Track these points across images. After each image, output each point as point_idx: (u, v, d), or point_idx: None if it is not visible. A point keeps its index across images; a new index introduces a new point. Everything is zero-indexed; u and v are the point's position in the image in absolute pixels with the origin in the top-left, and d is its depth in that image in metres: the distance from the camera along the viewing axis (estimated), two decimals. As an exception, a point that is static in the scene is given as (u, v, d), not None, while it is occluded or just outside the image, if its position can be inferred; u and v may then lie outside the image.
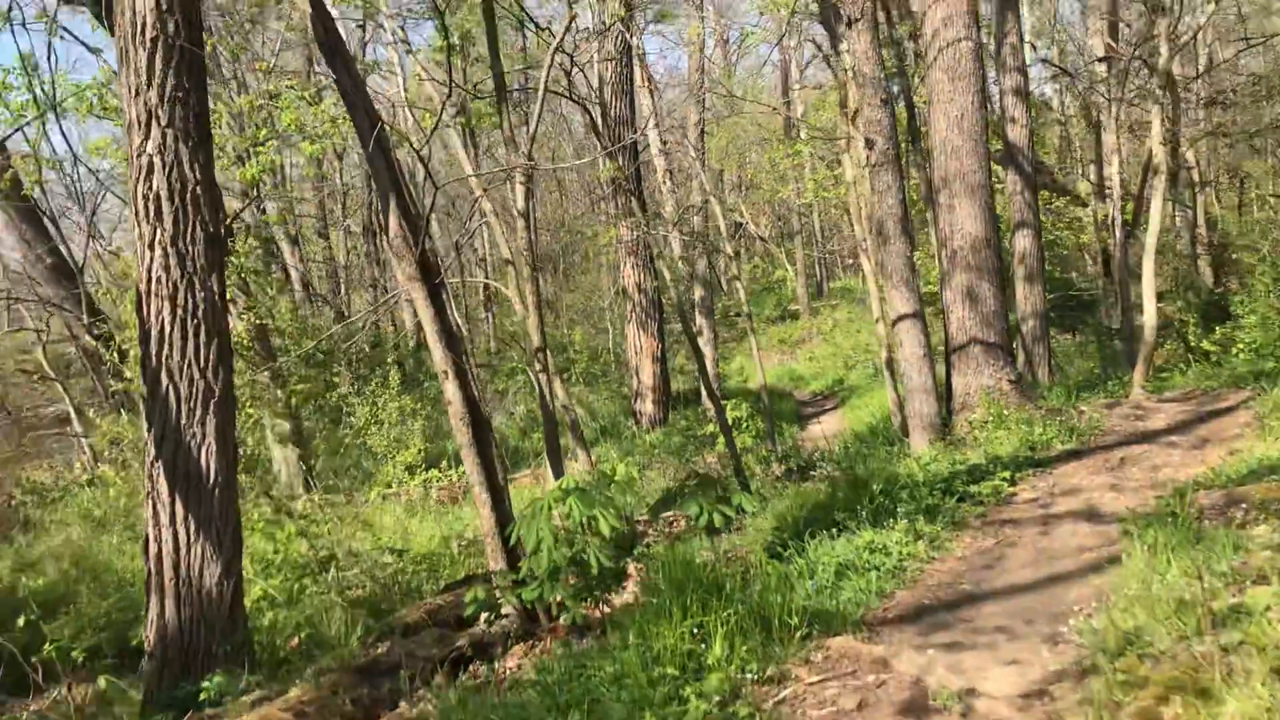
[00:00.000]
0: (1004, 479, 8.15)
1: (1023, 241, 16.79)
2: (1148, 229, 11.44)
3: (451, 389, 6.77)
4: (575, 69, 11.56)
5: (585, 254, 36.22)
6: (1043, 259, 16.81)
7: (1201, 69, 25.04)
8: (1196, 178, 24.61)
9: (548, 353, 9.81)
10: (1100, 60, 18.74)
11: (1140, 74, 20.20)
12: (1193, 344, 12.51)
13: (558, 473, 9.26)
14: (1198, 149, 25.16)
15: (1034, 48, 24.18)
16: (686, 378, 26.29)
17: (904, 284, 10.17)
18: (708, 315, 23.00)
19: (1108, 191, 25.36)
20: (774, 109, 35.16)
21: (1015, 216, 16.78)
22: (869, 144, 10.06)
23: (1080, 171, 29.27)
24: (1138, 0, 19.62)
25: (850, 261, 45.56)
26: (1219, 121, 24.19)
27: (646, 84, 18.51)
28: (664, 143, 19.04)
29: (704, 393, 16.61)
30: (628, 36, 18.49)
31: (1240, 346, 12.11)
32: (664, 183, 18.31)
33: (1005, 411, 9.96)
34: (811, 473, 11.01)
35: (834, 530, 7.18)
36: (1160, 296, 12.67)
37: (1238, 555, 4.72)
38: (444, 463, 15.05)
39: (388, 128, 7.12)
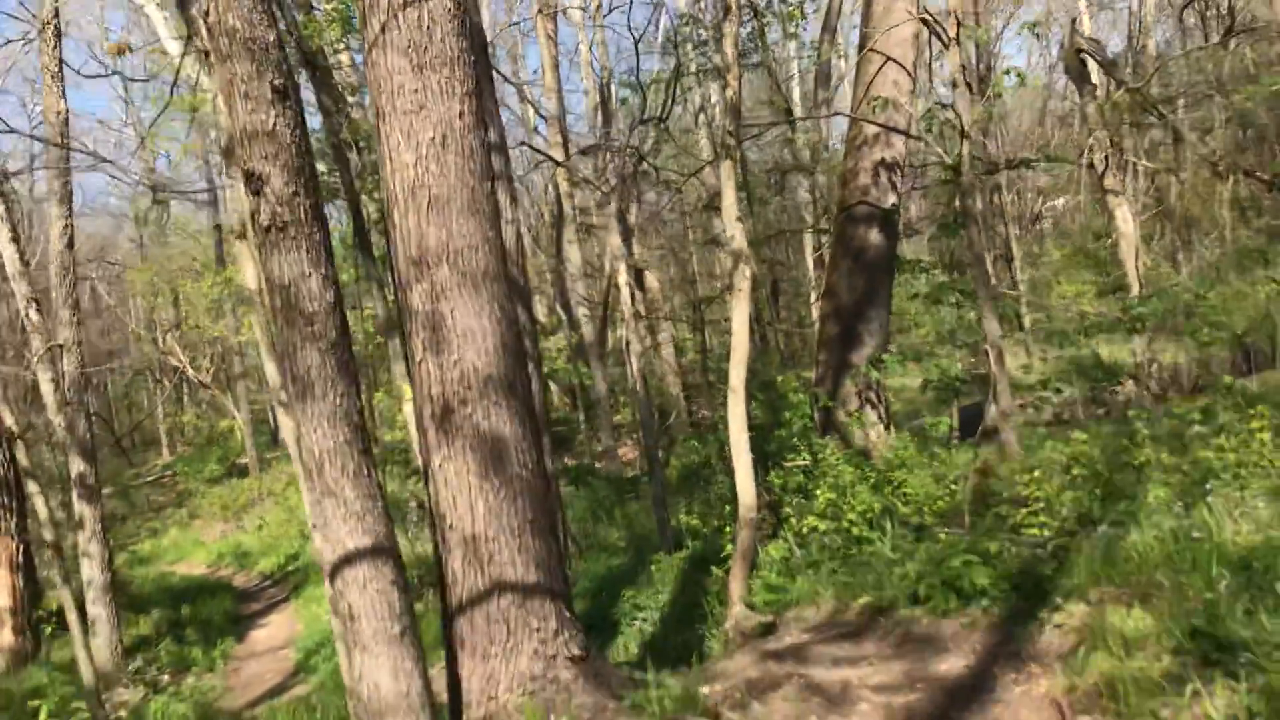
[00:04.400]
0: None
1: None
2: (732, 356, 7.01)
3: None
4: None
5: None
6: (544, 397, 12.16)
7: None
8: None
9: None
10: (584, 152, 14.91)
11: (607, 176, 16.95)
12: (790, 518, 8.05)
13: None
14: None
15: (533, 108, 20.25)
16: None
17: (348, 481, 4.58)
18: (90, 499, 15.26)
19: (589, 315, 21.94)
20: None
21: (507, 343, 11.97)
22: (251, 182, 4.44)
23: (554, 295, 26.21)
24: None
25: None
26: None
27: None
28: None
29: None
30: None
31: (853, 518, 7.96)
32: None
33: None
34: None
35: None
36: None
37: None
38: None
39: None
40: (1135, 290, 16.46)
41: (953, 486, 8.25)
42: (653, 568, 10.28)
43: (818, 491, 8.15)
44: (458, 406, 5.07)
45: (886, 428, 13.47)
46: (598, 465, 19.74)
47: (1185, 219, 20.91)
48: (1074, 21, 16.82)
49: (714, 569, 8.00)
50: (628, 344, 12.40)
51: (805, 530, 7.95)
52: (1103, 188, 16.95)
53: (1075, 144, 20.03)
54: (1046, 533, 7.11)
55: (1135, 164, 16.97)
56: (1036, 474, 7.44)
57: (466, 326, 5.11)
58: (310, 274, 4.64)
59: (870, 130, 13.35)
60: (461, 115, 5.20)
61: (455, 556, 5.09)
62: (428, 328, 5.10)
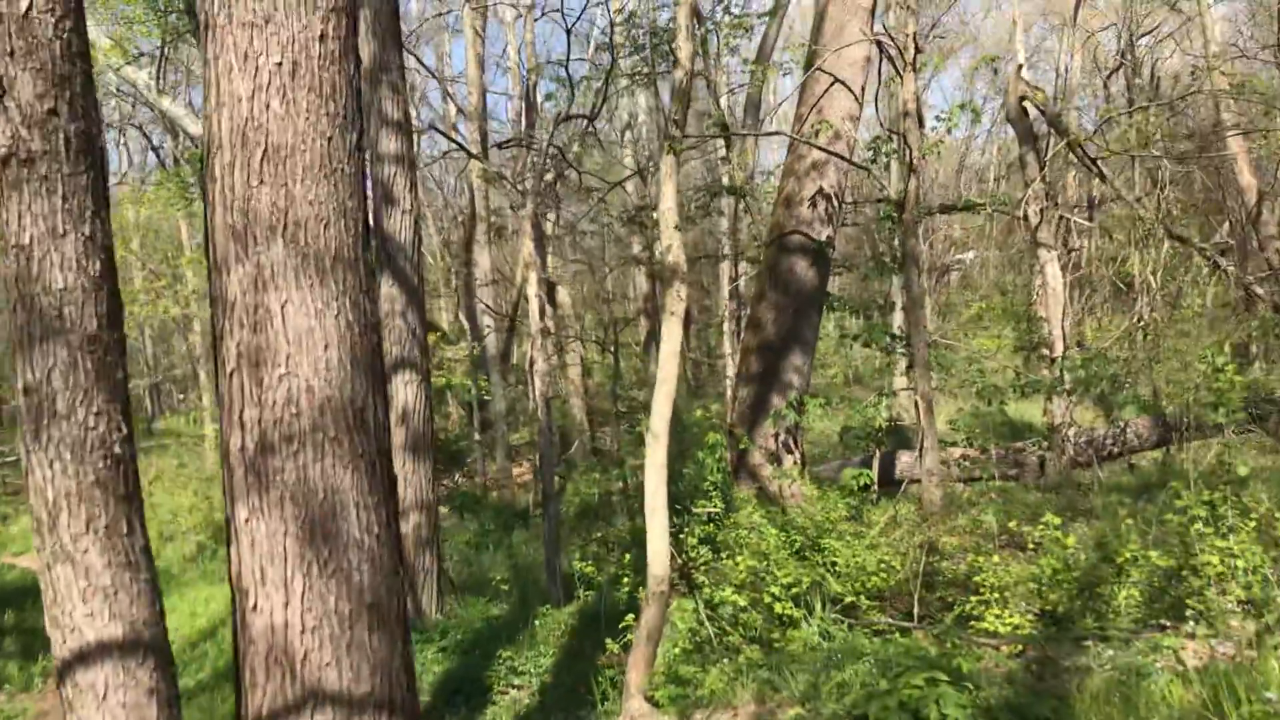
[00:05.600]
0: None
1: (406, 392, 10.35)
2: (656, 394, 5.61)
3: None
4: None
5: None
6: (432, 419, 10.59)
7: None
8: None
9: None
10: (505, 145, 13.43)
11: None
12: (704, 585, 6.58)
13: None
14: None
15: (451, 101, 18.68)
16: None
17: (94, 541, 3.04)
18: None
19: (494, 326, 20.34)
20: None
21: (394, 352, 10.39)
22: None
23: (457, 305, 24.51)
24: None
25: (181, 398, 35.79)
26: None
27: None
28: None
29: None
30: None
31: (777, 592, 6.55)
32: None
33: None
34: None
35: None
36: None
37: None
38: None
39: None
40: (1059, 349, 15.68)
41: (886, 559, 7.00)
42: (537, 622, 8.79)
43: (737, 559, 6.78)
44: (280, 442, 3.55)
45: (801, 474, 12.30)
46: (489, 489, 18.12)
47: (1117, 281, 20.41)
48: (1019, 68, 16.06)
49: (609, 642, 6.58)
50: (531, 362, 10.92)
51: (718, 601, 6.59)
52: (1035, 240, 16.19)
53: (993, 198, 19.32)
54: (1006, 630, 5.90)
55: (1069, 220, 16.23)
56: (995, 559, 6.25)
57: (302, 329, 3.61)
58: (66, 233, 3.11)
59: (812, 157, 12.21)
60: (324, 38, 3.71)
61: (257, 651, 3.56)
62: (247, 326, 3.58)
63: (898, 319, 19.09)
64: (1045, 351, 17.10)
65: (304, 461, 3.59)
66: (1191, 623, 4.88)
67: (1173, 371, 13.62)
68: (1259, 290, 12.99)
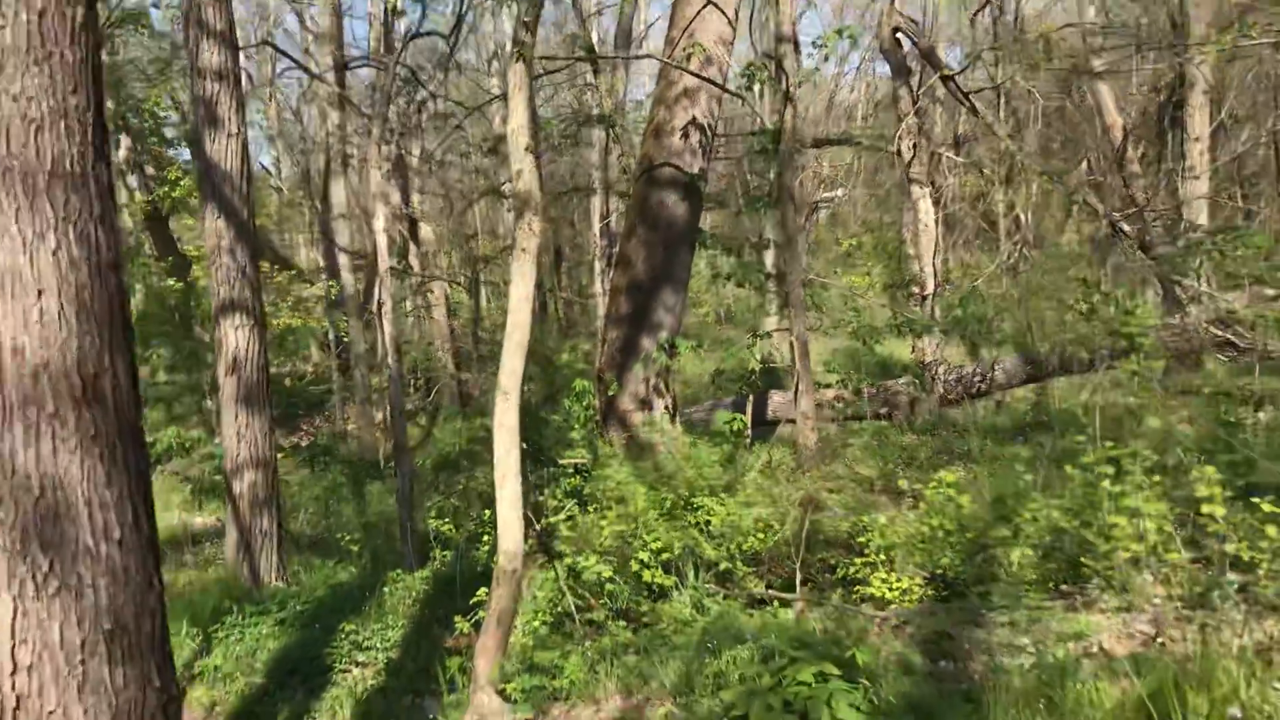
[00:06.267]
0: None
1: (237, 337, 9.21)
2: (506, 343, 4.77)
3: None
4: None
5: None
6: (267, 366, 9.49)
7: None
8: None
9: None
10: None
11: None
12: (566, 555, 5.77)
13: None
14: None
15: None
16: None
17: None
18: None
19: (353, 264, 18.98)
20: None
21: (222, 293, 9.22)
22: None
23: (311, 242, 22.87)
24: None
25: None
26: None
27: None
28: None
29: None
30: None
31: (645, 558, 5.81)
32: None
33: None
34: None
35: None
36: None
37: None
38: None
39: None
40: (930, 286, 15.46)
41: (764, 516, 6.41)
42: (386, 589, 7.94)
43: (603, 522, 6.07)
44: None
45: (673, 420, 11.70)
46: (347, 437, 16.97)
47: (980, 221, 20.40)
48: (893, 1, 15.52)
49: (459, 620, 5.79)
50: (380, 305, 9.91)
51: (582, 570, 5.88)
52: (908, 176, 15.84)
53: (867, 133, 18.96)
54: (894, 595, 5.38)
55: (940, 156, 15.94)
56: (881, 519, 5.72)
57: (4, 269, 2.66)
58: None
59: (683, 83, 11.40)
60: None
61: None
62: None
63: (770, 258, 18.61)
64: (915, 289, 16.91)
65: (11, 447, 2.66)
66: (1096, 590, 4.42)
67: (1041, 310, 13.51)
68: (1125, 228, 12.90)
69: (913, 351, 16.38)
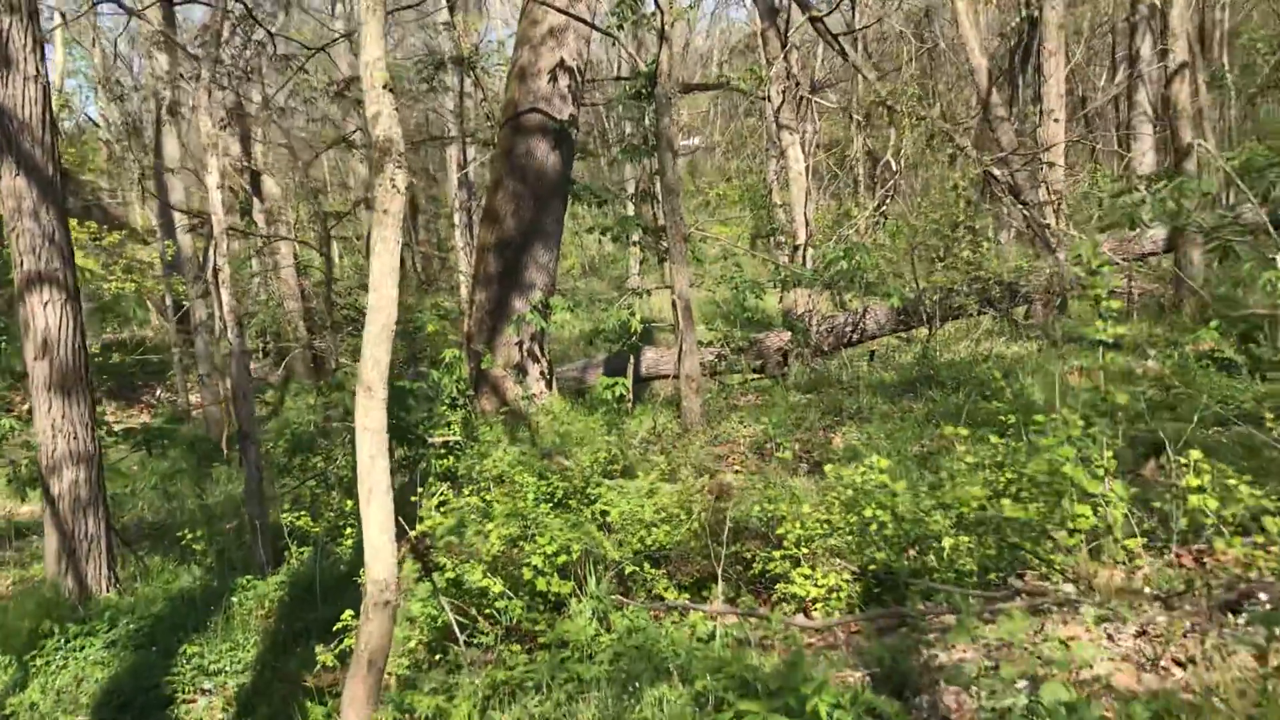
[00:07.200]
0: None
1: (47, 315, 7.82)
2: (368, 325, 3.84)
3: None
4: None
5: None
6: (85, 347, 8.08)
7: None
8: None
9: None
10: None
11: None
12: (446, 566, 4.91)
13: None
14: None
15: None
16: None
17: None
18: None
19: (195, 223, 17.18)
20: None
21: (26, 264, 7.79)
22: None
23: (141, 199, 20.73)
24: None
25: None
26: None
27: None
28: None
29: None
30: None
31: (539, 564, 4.93)
32: None
33: None
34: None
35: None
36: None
37: None
38: None
39: None
40: (801, 236, 15.01)
41: (666, 505, 5.70)
42: (235, 598, 6.88)
43: (489, 526, 5.21)
44: None
45: (549, 386, 10.89)
46: (189, 412, 15.42)
47: (834, 168, 20.08)
48: (761, -63, 14.77)
49: (319, 652, 4.86)
50: (216, 270, 8.66)
51: (465, 580, 5.03)
52: (778, 122, 15.27)
53: (737, 78, 18.25)
54: (820, 593, 4.76)
55: (811, 100, 15.42)
56: (806, 507, 5.06)
57: None
58: None
59: (549, 21, 10.42)
60: None
61: None
62: None
63: (631, 209, 17.80)
64: (785, 239, 16.43)
65: None
66: (1053, 586, 3.89)
67: (915, 258, 13.21)
68: (996, 172, 12.67)
69: (780, 303, 15.94)
